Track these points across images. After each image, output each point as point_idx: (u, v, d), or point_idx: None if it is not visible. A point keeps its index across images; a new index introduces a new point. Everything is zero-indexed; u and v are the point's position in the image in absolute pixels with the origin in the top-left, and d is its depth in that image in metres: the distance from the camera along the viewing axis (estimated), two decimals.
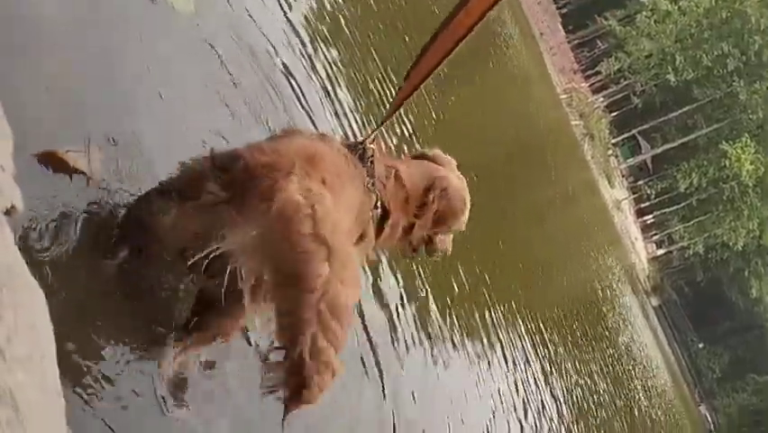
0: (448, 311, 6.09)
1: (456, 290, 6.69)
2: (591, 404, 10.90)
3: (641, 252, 59.55)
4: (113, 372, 2.13)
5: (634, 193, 61.27)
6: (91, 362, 2.06)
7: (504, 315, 7.87)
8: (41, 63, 2.38)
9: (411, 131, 7.16)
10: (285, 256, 1.94)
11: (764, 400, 58.79)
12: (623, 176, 60.63)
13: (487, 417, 5.97)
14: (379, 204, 2.52)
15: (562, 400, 8.94)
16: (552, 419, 8.02)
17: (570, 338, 12.21)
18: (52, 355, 1.09)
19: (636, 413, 16.29)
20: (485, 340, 6.79)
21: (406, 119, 7.18)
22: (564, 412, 8.71)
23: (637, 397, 17.81)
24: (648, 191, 60.92)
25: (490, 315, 7.33)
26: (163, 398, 2.28)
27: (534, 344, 8.96)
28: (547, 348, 9.72)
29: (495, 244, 9.78)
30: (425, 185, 2.73)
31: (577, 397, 10.12)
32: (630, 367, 20.11)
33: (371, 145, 2.54)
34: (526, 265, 11.81)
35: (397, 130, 6.70)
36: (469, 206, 2.86)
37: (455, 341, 5.97)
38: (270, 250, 1.96)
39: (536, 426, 7.32)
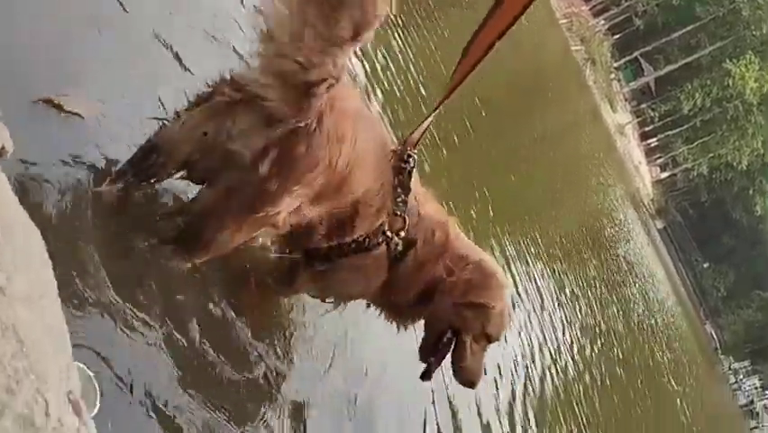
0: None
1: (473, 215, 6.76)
2: (591, 310, 11.24)
3: (645, 175, 59.48)
4: (119, 301, 2.12)
5: (637, 117, 60.72)
6: (96, 292, 2.05)
7: (512, 241, 7.95)
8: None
9: (412, 65, 7.04)
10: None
11: None
12: (626, 100, 59.96)
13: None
14: (402, 233, 2.40)
15: (560, 307, 9.19)
16: (548, 318, 8.27)
17: (574, 257, 12.44)
18: (54, 290, 1.10)
19: (635, 317, 16.98)
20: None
21: (404, 53, 7.07)
22: (563, 318, 8.98)
23: (635, 305, 18.30)
24: (651, 114, 60.39)
25: (499, 242, 7.39)
26: (173, 330, 2.29)
27: (542, 262, 9.14)
28: (551, 265, 9.90)
29: (498, 173, 9.79)
30: (464, 252, 2.58)
31: (579, 306, 10.43)
32: (631, 278, 20.59)
33: (413, 152, 2.40)
34: (530, 193, 11.84)
35: (392, 66, 6.59)
36: (505, 299, 2.60)
37: None
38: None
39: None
